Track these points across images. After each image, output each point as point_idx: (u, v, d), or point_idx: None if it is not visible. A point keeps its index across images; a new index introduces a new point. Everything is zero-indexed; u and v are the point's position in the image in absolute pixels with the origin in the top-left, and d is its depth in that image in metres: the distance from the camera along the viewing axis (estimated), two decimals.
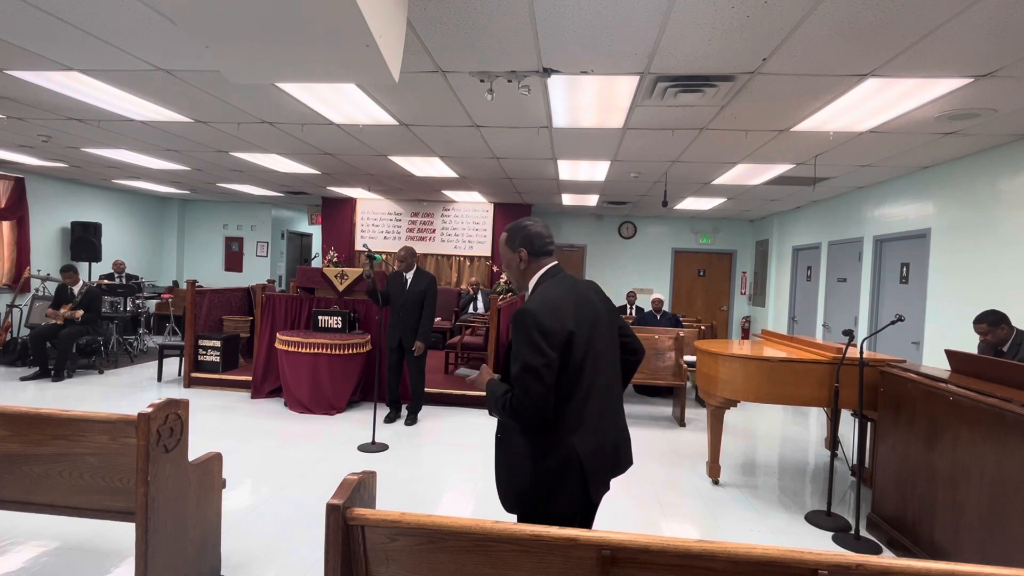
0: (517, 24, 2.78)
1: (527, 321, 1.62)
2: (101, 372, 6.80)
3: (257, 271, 11.55)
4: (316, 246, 12.87)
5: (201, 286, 6.76)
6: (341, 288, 6.21)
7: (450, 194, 9.02)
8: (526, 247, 1.81)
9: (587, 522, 1.82)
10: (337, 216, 10.14)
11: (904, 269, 5.84)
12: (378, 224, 10.08)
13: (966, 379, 2.89)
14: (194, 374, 6.31)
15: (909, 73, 3.17)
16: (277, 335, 5.54)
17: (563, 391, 1.64)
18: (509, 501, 1.74)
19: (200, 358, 6.37)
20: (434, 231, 9.99)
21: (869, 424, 3.87)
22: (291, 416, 5.29)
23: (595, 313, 1.76)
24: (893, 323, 3.43)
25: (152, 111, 4.65)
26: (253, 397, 5.90)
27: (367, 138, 5.36)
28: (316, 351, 5.29)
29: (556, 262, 1.83)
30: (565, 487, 1.65)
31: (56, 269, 8.00)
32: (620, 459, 1.81)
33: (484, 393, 1.80)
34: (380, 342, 5.13)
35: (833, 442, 4.05)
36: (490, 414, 1.77)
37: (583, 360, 1.67)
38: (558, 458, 1.65)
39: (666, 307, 8.82)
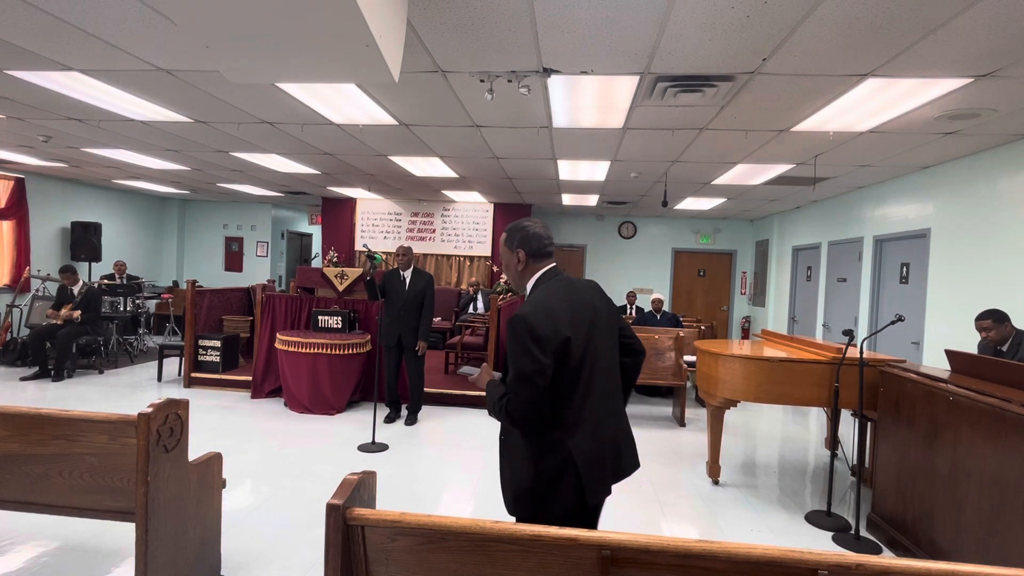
0: (517, 24, 2.78)
1: (521, 327, 1.60)
2: (101, 372, 6.80)
3: (257, 271, 11.55)
4: (316, 246, 12.88)
5: (201, 286, 6.77)
6: (341, 288, 6.22)
7: (450, 194, 9.02)
8: (524, 248, 1.77)
9: (589, 526, 1.76)
10: (337, 216, 10.14)
11: (904, 269, 5.84)
12: (378, 224, 10.08)
13: (966, 379, 2.89)
14: (194, 374, 6.31)
15: (909, 73, 3.17)
16: (277, 335, 5.54)
17: (561, 394, 1.63)
18: (510, 503, 1.73)
19: (200, 358, 6.37)
20: (434, 231, 9.99)
21: (869, 424, 3.87)
22: (291, 416, 5.29)
23: (594, 315, 1.73)
24: (893, 323, 3.43)
25: (152, 111, 4.65)
26: (253, 397, 5.90)
27: (367, 138, 5.36)
28: (316, 351, 5.28)
29: (555, 264, 1.80)
30: (562, 490, 1.64)
31: (56, 269, 7.99)
32: (622, 462, 1.77)
33: (484, 392, 1.79)
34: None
35: (833, 442, 4.05)
36: (489, 415, 1.75)
37: (581, 363, 1.65)
38: (556, 460, 1.64)
39: (666, 307, 8.82)
